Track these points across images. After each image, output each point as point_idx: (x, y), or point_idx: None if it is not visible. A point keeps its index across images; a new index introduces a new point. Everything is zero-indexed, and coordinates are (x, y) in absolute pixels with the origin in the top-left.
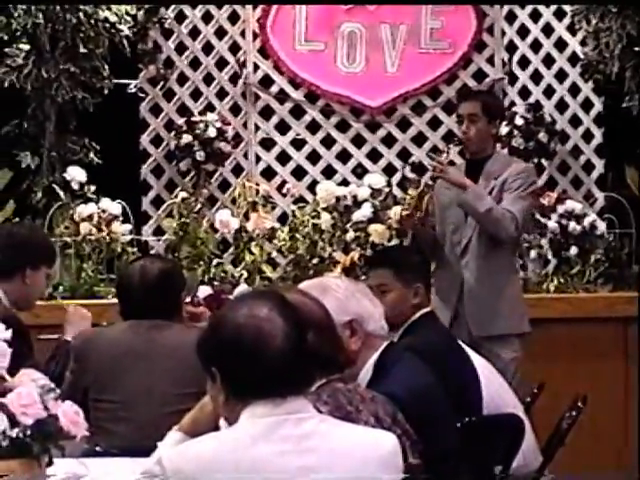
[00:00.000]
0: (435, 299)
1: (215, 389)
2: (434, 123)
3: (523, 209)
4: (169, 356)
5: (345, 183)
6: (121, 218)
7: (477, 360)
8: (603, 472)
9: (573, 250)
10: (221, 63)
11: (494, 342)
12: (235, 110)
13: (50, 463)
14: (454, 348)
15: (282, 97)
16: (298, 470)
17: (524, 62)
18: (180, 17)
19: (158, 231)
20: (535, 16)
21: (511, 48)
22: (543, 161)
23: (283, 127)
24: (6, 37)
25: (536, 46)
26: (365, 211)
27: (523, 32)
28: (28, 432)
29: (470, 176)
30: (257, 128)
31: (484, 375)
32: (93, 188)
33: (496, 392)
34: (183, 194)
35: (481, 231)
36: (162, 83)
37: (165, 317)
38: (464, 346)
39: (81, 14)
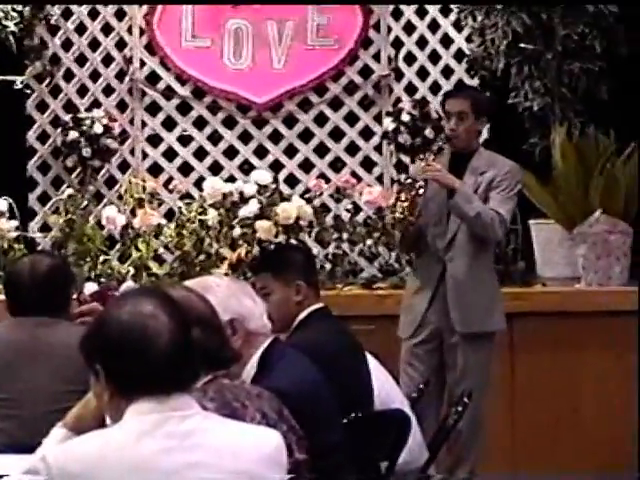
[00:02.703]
0: (415, 286)
1: (99, 386)
2: (320, 119)
3: (510, 210)
4: (56, 353)
5: (232, 179)
6: (7, 214)
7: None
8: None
9: None
10: (107, 59)
11: (477, 339)
12: (122, 106)
13: None
14: (343, 344)
15: (169, 93)
16: (183, 467)
17: (410, 58)
18: (66, 13)
19: (44, 227)
20: (421, 12)
21: (397, 44)
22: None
23: (170, 123)
24: None
25: (422, 42)
26: (252, 207)
27: (409, 28)
28: None
29: (455, 170)
30: (144, 124)
31: (372, 370)
32: None
33: (382, 388)
34: (69, 190)
35: (467, 229)
36: (48, 79)
37: (53, 314)
38: (356, 342)
39: None
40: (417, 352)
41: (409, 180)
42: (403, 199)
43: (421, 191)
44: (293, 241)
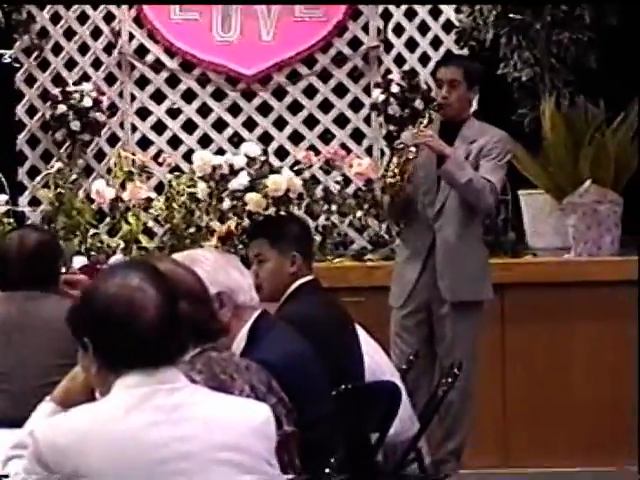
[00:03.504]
0: (404, 255)
1: (87, 360)
2: (309, 91)
3: (501, 179)
4: (45, 327)
5: (221, 152)
6: None
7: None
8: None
9: None
10: (96, 33)
11: (466, 308)
12: (110, 80)
13: None
14: (332, 317)
15: (157, 66)
16: (171, 440)
17: (399, 30)
18: None
19: (34, 201)
20: None
21: (386, 15)
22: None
23: (159, 96)
24: None
25: (411, 13)
26: (241, 180)
27: None
28: None
29: (445, 139)
30: (133, 98)
31: (362, 342)
32: None
33: (372, 359)
34: (59, 164)
35: (457, 197)
36: (37, 53)
37: (42, 288)
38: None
39: None
40: (406, 324)
41: (401, 145)
42: (395, 162)
43: (411, 156)
44: (283, 213)
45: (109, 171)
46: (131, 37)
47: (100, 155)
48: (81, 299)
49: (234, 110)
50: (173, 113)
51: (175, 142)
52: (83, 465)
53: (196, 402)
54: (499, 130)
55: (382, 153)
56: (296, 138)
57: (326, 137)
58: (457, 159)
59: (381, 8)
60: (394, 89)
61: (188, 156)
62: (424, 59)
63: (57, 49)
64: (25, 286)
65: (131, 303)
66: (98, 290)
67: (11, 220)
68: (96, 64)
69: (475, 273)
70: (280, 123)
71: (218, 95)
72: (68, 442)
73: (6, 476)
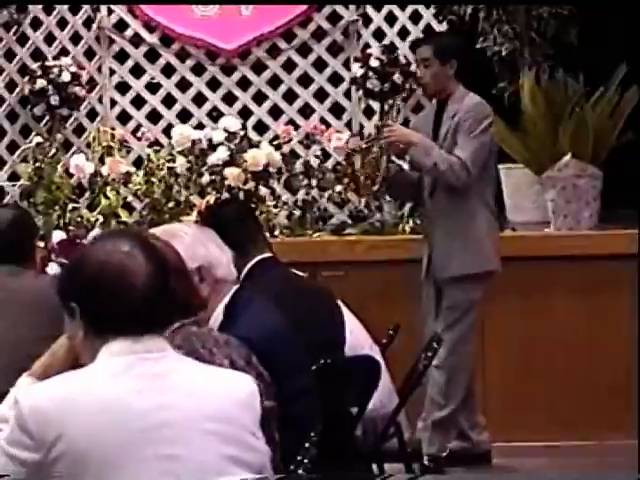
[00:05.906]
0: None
1: (74, 325)
2: (289, 66)
3: (474, 151)
4: (24, 301)
5: (200, 126)
6: None
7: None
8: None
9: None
10: (75, 7)
11: (453, 283)
12: (89, 54)
13: None
14: (287, 291)
15: (136, 41)
16: (155, 407)
17: (378, 4)
18: None
19: (13, 176)
20: None
21: None
22: (398, 102)
23: (138, 71)
24: None
25: None
26: (220, 154)
27: None
28: None
29: (438, 118)
30: (112, 72)
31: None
32: None
33: (352, 333)
34: (38, 139)
35: None
36: (15, 28)
37: (18, 264)
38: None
39: None
40: (429, 293)
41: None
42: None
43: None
44: (262, 188)
45: (88, 146)
46: (110, 12)
47: (79, 130)
48: (71, 264)
49: (213, 85)
50: (152, 88)
51: (154, 117)
52: (66, 431)
53: (182, 371)
54: (476, 97)
55: (361, 127)
56: (275, 112)
57: (305, 111)
58: (423, 145)
59: None
60: (373, 63)
61: (167, 131)
62: (403, 33)
63: (36, 24)
64: (1, 262)
65: (122, 269)
66: (89, 255)
67: None
68: (75, 39)
69: (469, 247)
70: (259, 97)
71: (197, 70)
72: (51, 408)
73: None
